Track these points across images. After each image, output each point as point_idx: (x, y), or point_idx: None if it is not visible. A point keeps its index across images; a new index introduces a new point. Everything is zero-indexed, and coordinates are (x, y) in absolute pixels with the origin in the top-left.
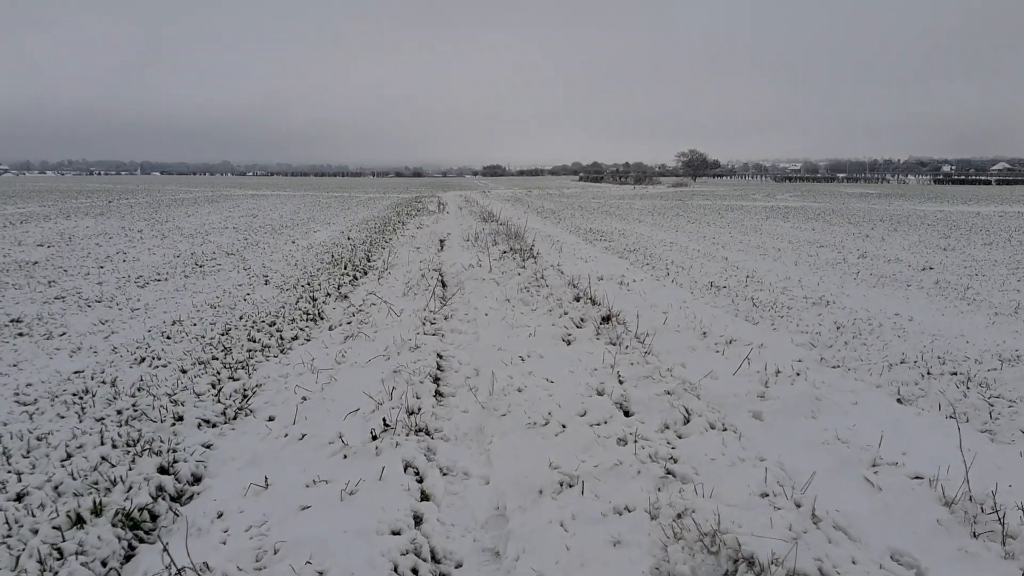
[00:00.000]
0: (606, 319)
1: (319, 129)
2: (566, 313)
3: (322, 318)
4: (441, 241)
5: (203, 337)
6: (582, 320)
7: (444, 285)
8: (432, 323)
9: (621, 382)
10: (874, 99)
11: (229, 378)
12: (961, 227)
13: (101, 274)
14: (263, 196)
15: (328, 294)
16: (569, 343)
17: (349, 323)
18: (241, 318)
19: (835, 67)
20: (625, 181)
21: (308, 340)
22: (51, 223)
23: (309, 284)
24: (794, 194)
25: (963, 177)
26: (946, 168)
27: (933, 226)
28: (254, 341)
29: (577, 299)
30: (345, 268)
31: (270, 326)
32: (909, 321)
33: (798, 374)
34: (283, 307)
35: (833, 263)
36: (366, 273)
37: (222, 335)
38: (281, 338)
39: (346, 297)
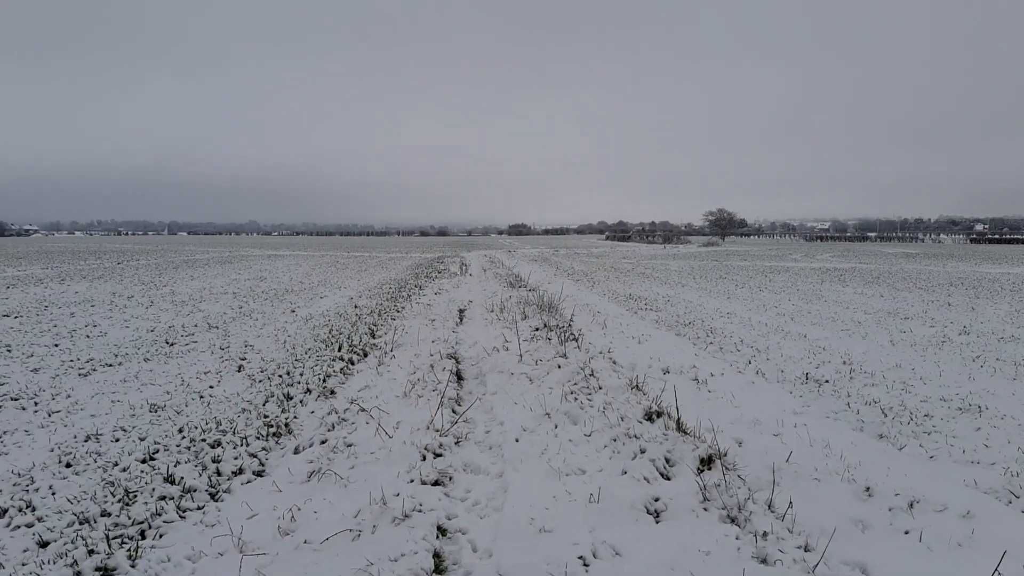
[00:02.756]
0: (707, 461)
1: (354, 190)
2: (643, 452)
3: (289, 431)
4: (461, 311)
5: (114, 466)
6: (668, 462)
7: (460, 379)
8: (437, 455)
9: None
10: (902, 159)
11: (96, 570)
12: None
13: (48, 355)
14: (280, 257)
15: (308, 390)
16: (658, 516)
17: (324, 442)
18: (181, 431)
19: (863, 128)
20: (653, 240)
21: (258, 475)
22: (40, 288)
23: (289, 373)
24: (834, 254)
25: (998, 236)
26: (979, 227)
27: (1017, 292)
28: (173, 482)
29: (650, 417)
30: (340, 349)
31: (212, 447)
32: None
33: None
34: (243, 412)
35: (936, 342)
36: (366, 355)
37: (141, 462)
38: (218, 473)
39: (332, 393)
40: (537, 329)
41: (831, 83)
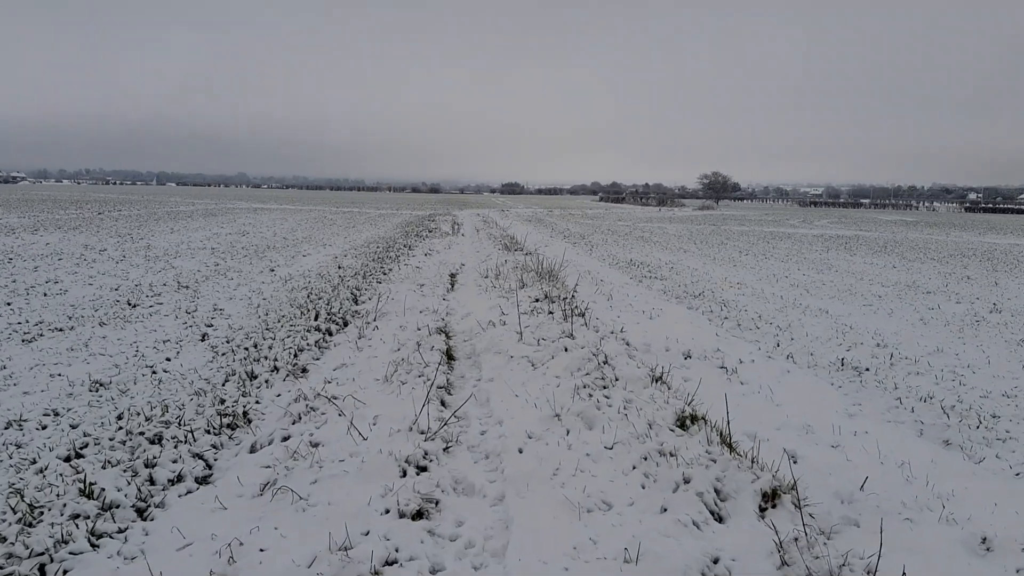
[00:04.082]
0: (771, 497)
1: (348, 145)
2: (687, 481)
3: (248, 422)
4: (452, 276)
5: (31, 465)
6: (719, 495)
7: (451, 358)
8: (420, 468)
9: None
10: (896, 126)
11: None
12: None
13: None
14: (267, 210)
15: (276, 368)
16: None
17: (286, 439)
18: (120, 418)
19: (858, 95)
20: (647, 202)
21: (203, 482)
22: (10, 239)
23: (257, 346)
24: (831, 220)
25: (991, 206)
26: (972, 196)
27: None
28: (91, 496)
29: (683, 424)
30: (316, 318)
31: (151, 443)
32: None
33: None
34: (197, 394)
35: (970, 322)
36: (346, 325)
37: (64, 461)
38: (151, 481)
39: (304, 372)
40: (537, 300)
41: (831, 48)
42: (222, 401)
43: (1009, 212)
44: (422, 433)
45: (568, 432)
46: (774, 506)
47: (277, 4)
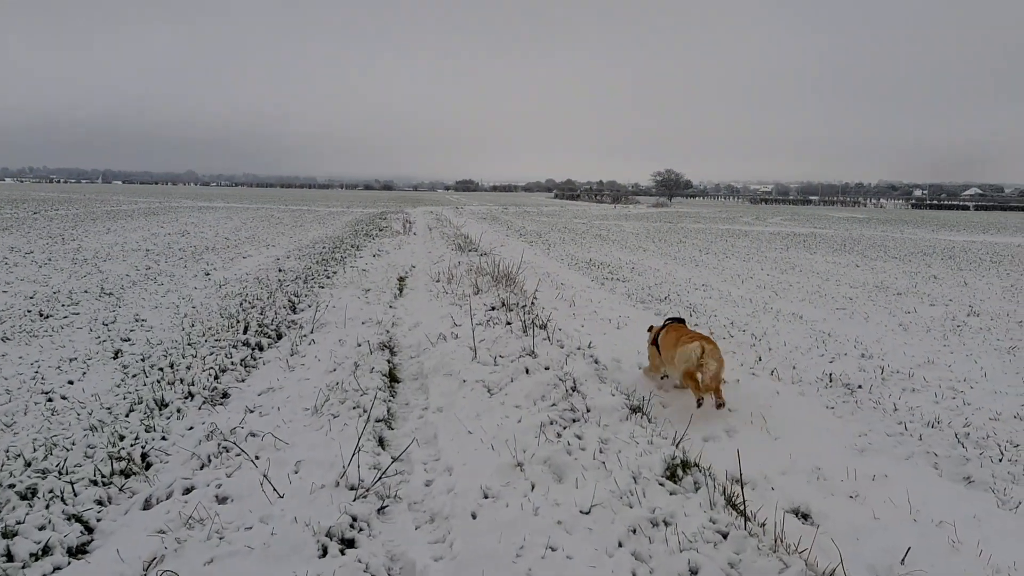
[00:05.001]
0: None
1: (301, 142)
2: (693, 573)
3: (147, 467)
4: (401, 280)
5: None
6: (733, 571)
7: (394, 380)
8: (346, 544)
9: None
10: (843, 124)
11: None
12: None
13: None
14: (212, 209)
15: (190, 394)
16: None
17: (188, 491)
18: None
19: (806, 93)
20: (602, 199)
21: (77, 554)
22: None
23: (173, 366)
24: (783, 218)
25: (937, 202)
26: (918, 193)
27: (998, 264)
28: None
29: (673, 475)
30: (245, 331)
31: (23, 498)
32: None
33: None
34: (93, 429)
35: (951, 327)
36: (279, 338)
37: None
38: (8, 557)
39: (225, 397)
40: (493, 308)
41: (780, 47)
42: (121, 438)
43: (954, 208)
44: (352, 489)
45: (533, 487)
46: None
47: (238, 0)
